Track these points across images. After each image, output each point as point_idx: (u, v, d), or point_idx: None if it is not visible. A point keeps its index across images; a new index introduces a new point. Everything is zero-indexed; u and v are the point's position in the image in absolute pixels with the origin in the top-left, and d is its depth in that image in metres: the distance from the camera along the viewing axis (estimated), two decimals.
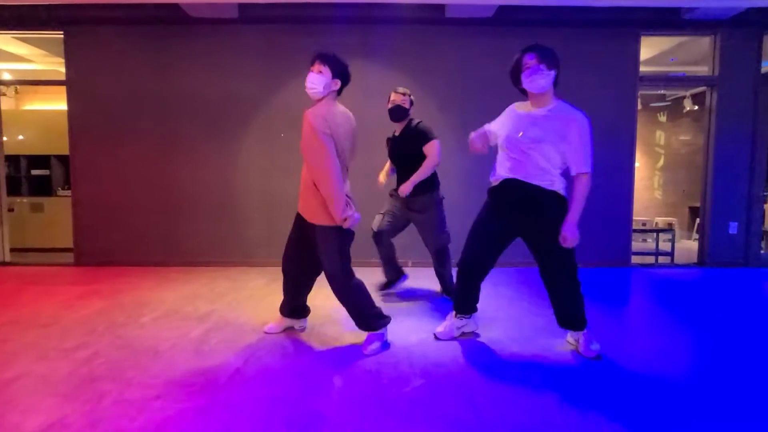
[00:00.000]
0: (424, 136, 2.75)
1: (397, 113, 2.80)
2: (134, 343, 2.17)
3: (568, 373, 1.85)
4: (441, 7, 4.10)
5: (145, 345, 2.15)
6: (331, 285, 2.02)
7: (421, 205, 2.82)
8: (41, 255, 5.02)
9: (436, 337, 2.23)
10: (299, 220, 2.10)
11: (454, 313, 2.27)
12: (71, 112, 4.25)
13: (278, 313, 2.35)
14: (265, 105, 4.23)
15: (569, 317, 2.05)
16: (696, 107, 7.04)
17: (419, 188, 2.72)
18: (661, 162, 7.85)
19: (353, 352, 2.07)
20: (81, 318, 2.61)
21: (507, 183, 1.98)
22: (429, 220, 2.85)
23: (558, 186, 1.95)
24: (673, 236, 4.92)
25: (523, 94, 2.04)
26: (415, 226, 2.94)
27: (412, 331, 2.36)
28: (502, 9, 4.01)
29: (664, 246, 5.63)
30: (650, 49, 5.19)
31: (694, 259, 4.59)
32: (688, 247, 6.14)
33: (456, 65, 4.19)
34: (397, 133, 2.91)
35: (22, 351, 2.07)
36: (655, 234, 5.17)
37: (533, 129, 1.91)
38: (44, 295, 3.15)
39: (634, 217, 7.32)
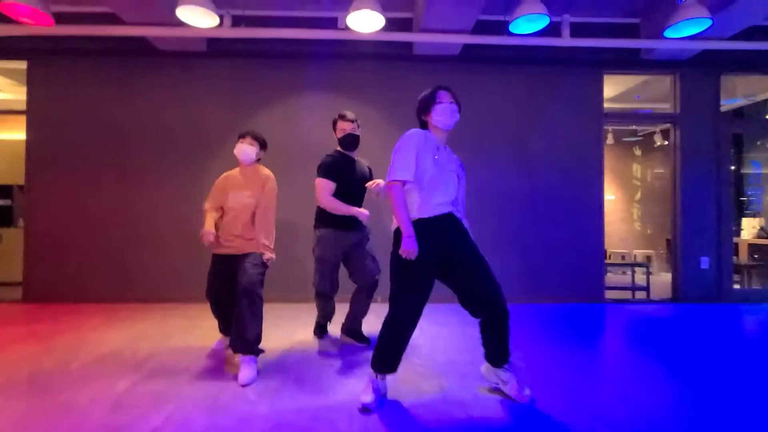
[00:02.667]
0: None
1: (356, 142, 2.71)
2: (50, 395, 1.96)
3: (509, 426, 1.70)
4: (409, 45, 4.17)
5: (61, 398, 1.94)
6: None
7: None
8: None
9: (366, 409, 1.81)
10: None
11: (376, 374, 1.92)
12: (29, 142, 4.13)
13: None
14: (231, 138, 4.12)
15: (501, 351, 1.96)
16: (666, 142, 7.22)
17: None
18: (639, 194, 7.96)
19: (287, 409, 1.89)
20: (6, 362, 2.38)
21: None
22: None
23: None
24: (648, 270, 4.86)
25: (422, 127, 2.02)
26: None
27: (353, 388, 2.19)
28: (467, 47, 4.10)
29: (641, 279, 5.57)
30: (616, 87, 5.35)
31: (670, 293, 4.52)
32: (665, 281, 6.10)
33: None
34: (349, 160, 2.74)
35: None
36: (638, 267, 5.10)
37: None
38: None
39: (613, 250, 7.38)
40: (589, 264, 4.22)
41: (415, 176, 1.86)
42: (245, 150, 2.47)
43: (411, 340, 2.89)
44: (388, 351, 1.91)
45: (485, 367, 2.08)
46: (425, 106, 1.96)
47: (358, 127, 2.69)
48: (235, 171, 2.61)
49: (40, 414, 1.77)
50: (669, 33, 3.24)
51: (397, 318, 1.87)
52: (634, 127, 7.45)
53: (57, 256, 4.09)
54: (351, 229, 2.63)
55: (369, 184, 2.51)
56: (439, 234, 1.88)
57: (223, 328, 2.62)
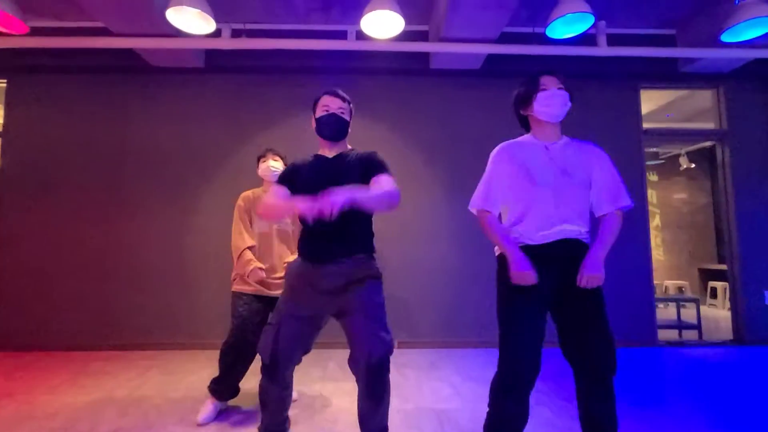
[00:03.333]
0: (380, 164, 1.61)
1: (338, 126, 1.64)
2: None
3: None
4: (425, 58, 3.81)
5: None
6: None
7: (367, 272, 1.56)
8: None
9: None
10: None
11: None
12: (3, 167, 3.68)
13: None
14: (230, 159, 3.73)
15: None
16: (693, 165, 6.81)
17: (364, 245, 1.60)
18: (657, 221, 7.48)
19: None
20: None
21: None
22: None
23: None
24: (698, 305, 4.27)
25: (523, 126, 1.63)
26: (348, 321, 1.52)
27: None
28: (490, 60, 3.74)
29: (685, 314, 4.98)
30: (645, 104, 4.97)
31: (722, 332, 3.94)
32: (705, 315, 5.49)
33: (442, 117, 3.81)
34: (328, 155, 1.68)
35: None
36: (675, 303, 4.53)
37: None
38: None
39: None
40: (638, 300, 3.66)
41: (505, 198, 1.53)
42: (273, 167, 2.24)
43: (446, 401, 2.31)
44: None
45: None
46: (525, 97, 1.55)
47: (351, 112, 1.71)
48: (259, 191, 2.29)
49: None
50: (726, 37, 2.85)
51: (505, 371, 1.42)
52: (656, 149, 7.06)
53: (26, 296, 3.55)
54: (324, 261, 1.51)
55: None
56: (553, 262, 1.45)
57: (232, 393, 2.16)
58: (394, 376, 2.79)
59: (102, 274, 3.61)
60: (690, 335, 4.23)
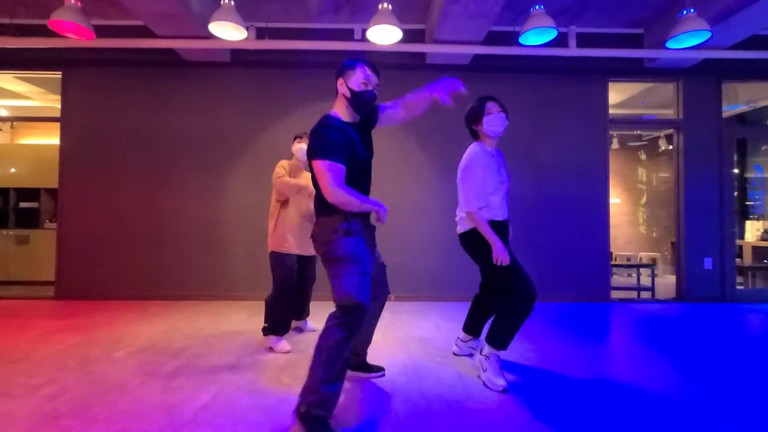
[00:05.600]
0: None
1: (373, 105, 1.84)
2: (103, 379, 2.16)
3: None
4: (422, 54, 4.38)
5: (114, 381, 2.14)
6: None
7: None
8: (22, 288, 4.97)
9: (506, 390, 2.03)
10: None
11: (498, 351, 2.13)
12: (63, 148, 4.36)
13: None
14: (253, 144, 4.39)
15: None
16: (670, 147, 7.36)
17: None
18: (644, 198, 8.09)
19: None
20: (53, 353, 2.58)
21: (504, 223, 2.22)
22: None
23: None
24: (653, 271, 5.01)
25: (472, 135, 2.31)
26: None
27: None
28: (477, 58, 4.30)
29: (647, 281, 5.72)
30: (622, 93, 5.52)
31: (675, 294, 4.67)
32: (670, 282, 6.23)
33: (436, 108, 4.40)
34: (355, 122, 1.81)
35: None
36: (643, 269, 5.25)
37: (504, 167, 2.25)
38: (19, 329, 3.12)
39: (619, 253, 7.51)
40: (596, 264, 4.37)
41: (485, 191, 2.14)
42: (305, 149, 2.33)
43: (428, 333, 3.07)
44: (515, 330, 2.07)
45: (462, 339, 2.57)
46: (476, 117, 2.21)
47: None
48: (294, 161, 2.81)
49: (99, 395, 1.97)
50: (670, 44, 3.41)
51: (528, 296, 2.01)
52: (639, 132, 7.60)
53: (87, 256, 4.31)
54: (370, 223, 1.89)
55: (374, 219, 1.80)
56: (503, 237, 2.15)
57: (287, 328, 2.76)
58: (391, 319, 3.55)
59: (148, 239, 4.34)
60: (646, 296, 4.98)
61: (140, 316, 3.57)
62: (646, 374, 2.31)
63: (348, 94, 1.75)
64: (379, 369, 2.22)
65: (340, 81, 1.78)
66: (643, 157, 8.18)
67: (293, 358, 2.52)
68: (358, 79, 1.73)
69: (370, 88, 1.75)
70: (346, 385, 2.06)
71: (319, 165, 1.63)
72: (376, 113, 1.93)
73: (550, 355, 2.61)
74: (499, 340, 2.08)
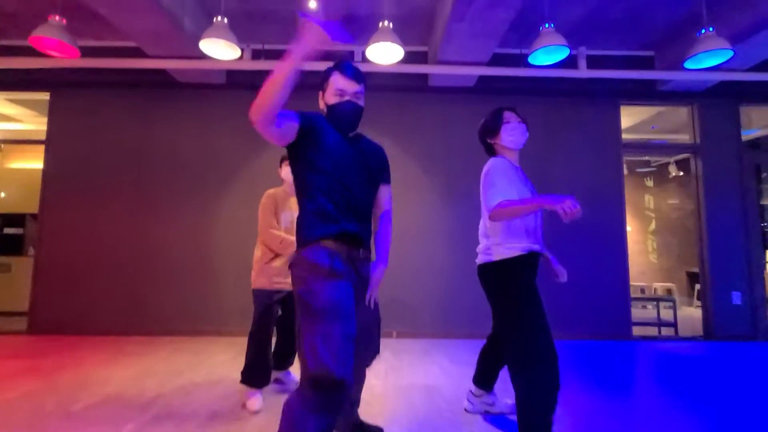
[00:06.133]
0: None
1: (355, 116, 1.46)
2: None
3: None
4: (424, 76, 4.21)
5: None
6: None
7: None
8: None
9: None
10: None
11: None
12: (46, 171, 4.14)
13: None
14: (248, 168, 4.16)
15: None
16: (681, 173, 7.14)
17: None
18: (653, 225, 7.81)
19: None
20: (5, 402, 2.24)
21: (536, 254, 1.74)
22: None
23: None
24: (675, 305, 4.64)
25: (488, 152, 1.91)
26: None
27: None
28: (483, 79, 4.13)
29: (665, 313, 5.34)
30: (631, 117, 5.34)
31: (698, 329, 4.30)
32: (690, 315, 5.84)
33: (439, 131, 4.21)
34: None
35: None
36: (655, 302, 4.89)
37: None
38: None
39: (632, 283, 7.15)
40: (615, 298, 4.03)
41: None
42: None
43: (435, 380, 2.72)
44: (544, 426, 1.52)
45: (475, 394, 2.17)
46: (493, 128, 1.84)
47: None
48: (280, 190, 2.45)
49: None
50: (689, 64, 3.22)
51: (546, 376, 1.53)
52: (647, 157, 7.40)
53: (65, 287, 4.00)
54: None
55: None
56: (534, 270, 1.73)
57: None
58: (393, 361, 3.20)
59: (132, 268, 4.04)
60: (668, 332, 4.59)
61: (113, 356, 3.22)
62: (673, 425, 1.95)
63: (325, 109, 1.47)
64: (377, 431, 1.86)
65: (321, 95, 1.50)
66: (650, 183, 7.96)
67: (277, 414, 2.16)
68: (331, 89, 1.43)
69: (345, 98, 1.42)
70: None
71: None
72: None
73: (572, 407, 2.25)
74: None
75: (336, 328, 1.20)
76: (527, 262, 1.69)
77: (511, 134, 1.81)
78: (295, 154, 1.40)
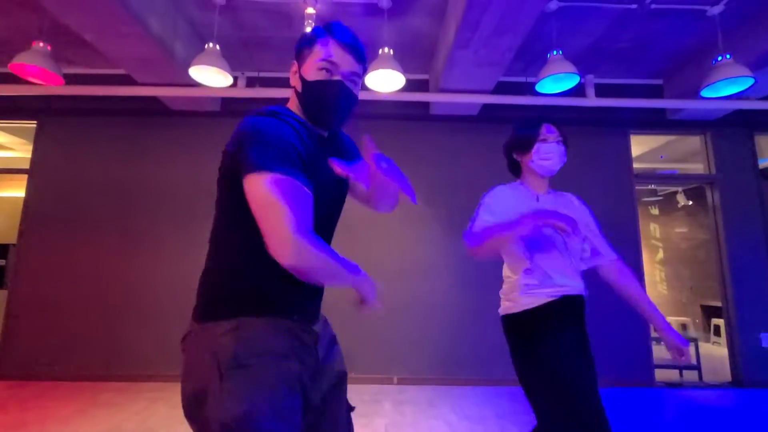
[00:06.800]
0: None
1: (347, 104, 1.00)
2: None
3: None
4: (425, 105, 4.07)
5: None
6: None
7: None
8: None
9: None
10: None
11: None
12: (27, 200, 3.93)
13: None
14: None
15: None
16: (690, 202, 6.94)
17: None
18: (660, 255, 7.55)
19: None
20: None
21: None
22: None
23: None
24: (697, 345, 4.31)
25: (512, 170, 1.56)
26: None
27: None
28: (486, 107, 3.98)
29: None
30: (639, 146, 5.18)
31: (723, 372, 3.96)
32: (710, 354, 5.48)
33: (441, 160, 4.03)
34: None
35: None
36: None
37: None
38: None
39: None
40: (635, 341, 3.72)
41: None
42: None
43: None
44: None
45: None
46: (525, 143, 1.47)
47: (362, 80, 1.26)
48: None
49: None
50: (706, 93, 3.06)
51: None
52: (652, 186, 7.22)
53: (40, 325, 3.70)
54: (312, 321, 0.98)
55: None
56: (572, 319, 1.36)
57: None
58: (393, 414, 2.87)
59: (113, 305, 3.76)
60: (690, 375, 4.24)
61: (82, 408, 2.89)
62: None
63: (299, 87, 0.97)
64: None
65: (293, 67, 1.01)
66: (656, 212, 7.75)
67: None
68: (314, 59, 0.94)
69: (335, 77, 0.94)
70: None
71: (258, 182, 0.81)
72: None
73: None
74: None
75: None
76: (559, 310, 1.33)
77: (545, 157, 1.44)
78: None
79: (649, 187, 7.25)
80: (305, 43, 0.97)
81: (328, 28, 0.95)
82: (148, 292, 3.77)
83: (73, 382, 3.53)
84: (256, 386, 0.79)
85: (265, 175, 0.80)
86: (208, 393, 0.79)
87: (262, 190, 0.80)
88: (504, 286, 1.48)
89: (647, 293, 5.13)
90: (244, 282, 0.89)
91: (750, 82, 2.86)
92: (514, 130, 1.54)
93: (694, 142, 4.70)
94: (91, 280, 3.79)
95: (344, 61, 0.93)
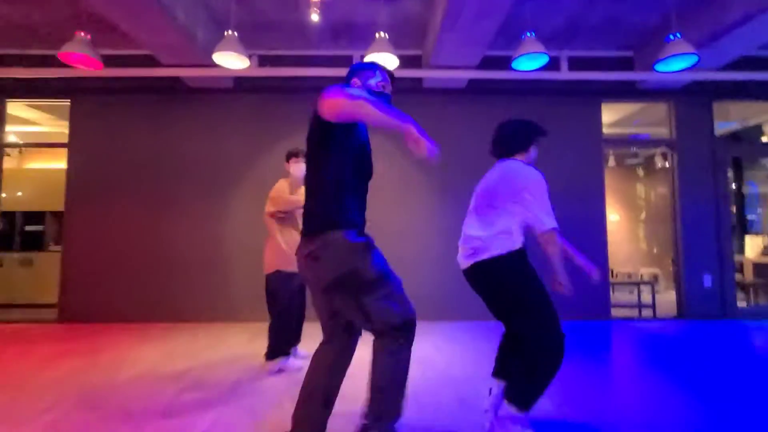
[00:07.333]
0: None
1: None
2: (106, 405, 2.17)
3: None
4: (419, 79, 4.51)
5: (117, 406, 2.15)
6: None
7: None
8: (26, 311, 5.00)
9: None
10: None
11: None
12: (70, 172, 4.47)
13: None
14: (255, 167, 4.48)
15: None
16: (667, 164, 7.44)
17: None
18: (644, 214, 8.13)
19: None
20: (56, 378, 2.60)
21: None
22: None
23: None
24: (653, 288, 5.00)
25: (506, 155, 1.98)
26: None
27: None
28: (472, 81, 4.43)
29: (648, 297, 5.70)
30: (616, 112, 5.64)
31: (674, 309, 4.66)
32: (670, 299, 6.20)
33: (433, 129, 4.50)
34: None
35: None
36: (644, 285, 5.25)
37: None
38: (23, 354, 3.14)
39: (619, 270, 7.50)
40: (595, 284, 4.38)
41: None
42: (303, 168, 2.36)
43: (428, 354, 3.07)
44: (541, 390, 1.71)
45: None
46: (530, 139, 1.94)
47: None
48: (285, 184, 2.79)
49: (100, 422, 1.98)
50: (659, 67, 3.52)
51: (559, 345, 1.72)
52: (635, 149, 7.69)
53: (90, 279, 4.35)
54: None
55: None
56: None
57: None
58: None
59: (150, 262, 4.39)
60: (648, 313, 4.96)
61: (141, 340, 3.59)
62: (643, 391, 2.31)
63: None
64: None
65: (355, 80, 1.63)
66: (641, 173, 8.26)
67: (295, 380, 2.53)
68: (377, 80, 1.63)
69: (387, 91, 1.65)
70: (336, 416, 2.07)
71: (331, 94, 1.34)
72: None
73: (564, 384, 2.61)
74: (521, 400, 1.71)
75: (394, 283, 1.48)
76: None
77: (534, 157, 1.96)
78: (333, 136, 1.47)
79: (632, 149, 7.74)
80: (367, 68, 1.66)
81: (379, 65, 1.70)
82: (178, 249, 4.40)
83: (124, 324, 4.22)
84: (380, 259, 1.49)
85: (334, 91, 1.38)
86: (358, 269, 1.42)
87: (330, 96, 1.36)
88: (483, 242, 1.86)
89: (627, 250, 5.79)
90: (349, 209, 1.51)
91: (694, 59, 3.32)
92: (524, 124, 1.99)
93: (664, 108, 5.17)
94: (129, 240, 4.40)
95: (389, 85, 1.69)
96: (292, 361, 2.71)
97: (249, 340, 3.56)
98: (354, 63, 1.75)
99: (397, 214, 4.37)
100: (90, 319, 4.28)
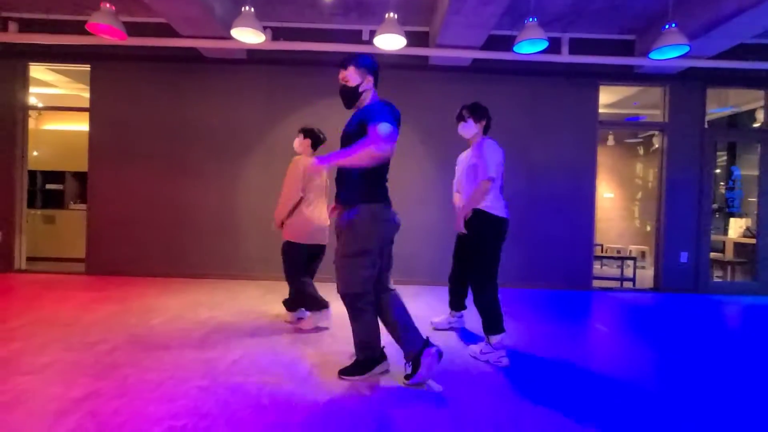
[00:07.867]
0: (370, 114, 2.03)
1: (343, 94, 2.24)
2: (147, 340, 2.57)
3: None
4: (425, 56, 4.68)
5: (156, 341, 2.55)
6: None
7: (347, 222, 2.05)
8: (53, 264, 5.41)
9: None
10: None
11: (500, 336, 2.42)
12: (92, 135, 4.74)
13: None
14: (266, 135, 4.74)
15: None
16: (657, 146, 7.62)
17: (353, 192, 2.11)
18: (640, 193, 8.39)
19: (333, 350, 2.48)
20: (98, 319, 3.01)
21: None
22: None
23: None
24: (635, 263, 5.37)
25: (475, 119, 3.00)
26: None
27: None
28: (476, 60, 4.60)
29: (631, 271, 6.09)
30: (615, 94, 5.80)
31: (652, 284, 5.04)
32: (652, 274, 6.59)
33: (437, 104, 4.74)
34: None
35: (50, 344, 2.46)
36: (628, 260, 5.62)
37: None
38: (62, 299, 3.55)
39: (609, 245, 7.87)
40: (580, 255, 4.74)
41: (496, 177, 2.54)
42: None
43: (422, 312, 3.46)
44: (498, 312, 2.43)
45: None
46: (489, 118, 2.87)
47: (358, 72, 2.19)
48: (304, 158, 2.96)
49: (146, 352, 2.38)
50: (654, 55, 3.70)
51: (494, 285, 2.45)
52: (634, 129, 7.86)
53: (114, 236, 4.72)
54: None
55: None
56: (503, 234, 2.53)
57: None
58: None
59: (169, 221, 4.74)
60: (629, 286, 5.35)
61: (165, 291, 3.99)
62: (613, 354, 2.71)
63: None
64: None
65: (369, 78, 2.20)
66: (641, 152, 8.45)
67: (304, 333, 2.92)
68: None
69: (340, 83, 2.28)
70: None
71: (382, 126, 1.87)
72: None
73: (537, 337, 3.01)
74: (496, 327, 2.40)
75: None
76: (500, 224, 2.54)
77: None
78: None
79: (632, 130, 7.90)
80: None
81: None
82: (195, 210, 4.73)
83: (146, 278, 4.63)
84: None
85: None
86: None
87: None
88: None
89: (620, 227, 6.18)
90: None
91: (685, 49, 3.50)
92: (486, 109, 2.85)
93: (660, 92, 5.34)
94: (148, 201, 4.73)
95: (339, 74, 2.27)
96: (310, 315, 2.93)
97: (263, 295, 3.96)
98: (364, 57, 2.24)
99: (397, 182, 4.65)
100: (114, 272, 4.68)
